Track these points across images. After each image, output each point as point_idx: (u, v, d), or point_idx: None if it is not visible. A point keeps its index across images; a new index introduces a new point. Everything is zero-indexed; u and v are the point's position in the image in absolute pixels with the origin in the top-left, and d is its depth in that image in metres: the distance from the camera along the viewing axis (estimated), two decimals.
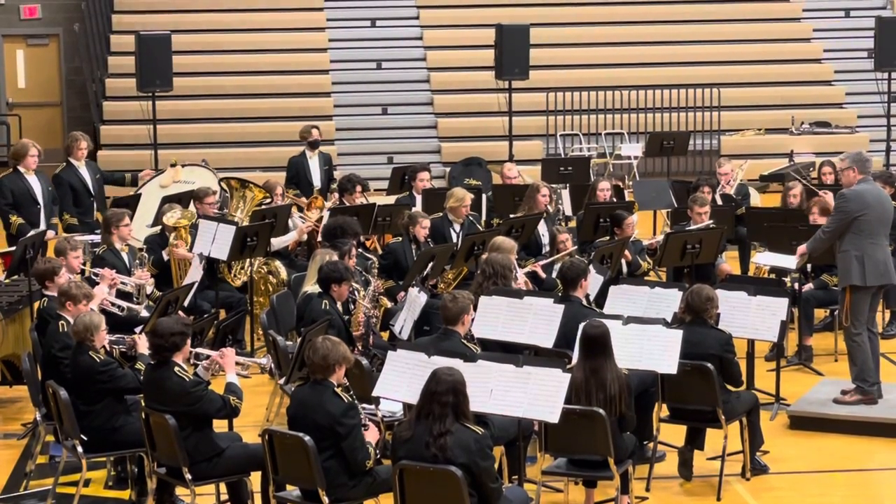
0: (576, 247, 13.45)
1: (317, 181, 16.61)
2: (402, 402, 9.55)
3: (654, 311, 10.72)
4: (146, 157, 20.78)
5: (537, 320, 10.43)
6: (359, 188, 15.14)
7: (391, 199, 15.78)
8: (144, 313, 11.96)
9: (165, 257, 13.35)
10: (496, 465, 8.27)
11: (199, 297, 13.06)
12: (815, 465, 10.73)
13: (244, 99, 23.27)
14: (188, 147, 21.58)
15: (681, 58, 24.06)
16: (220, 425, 9.30)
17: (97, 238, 13.44)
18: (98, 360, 9.55)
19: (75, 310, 10.22)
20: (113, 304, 11.66)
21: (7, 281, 12.58)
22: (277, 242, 14.22)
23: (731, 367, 10.10)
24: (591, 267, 11.42)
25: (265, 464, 8.77)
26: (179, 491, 9.42)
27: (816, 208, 13.37)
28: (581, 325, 9.44)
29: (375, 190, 17.99)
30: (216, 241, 13.00)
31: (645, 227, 16.25)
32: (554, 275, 12.56)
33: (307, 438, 8.35)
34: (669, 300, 10.93)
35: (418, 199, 15.34)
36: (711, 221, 13.82)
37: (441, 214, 14.15)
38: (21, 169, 14.15)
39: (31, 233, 12.98)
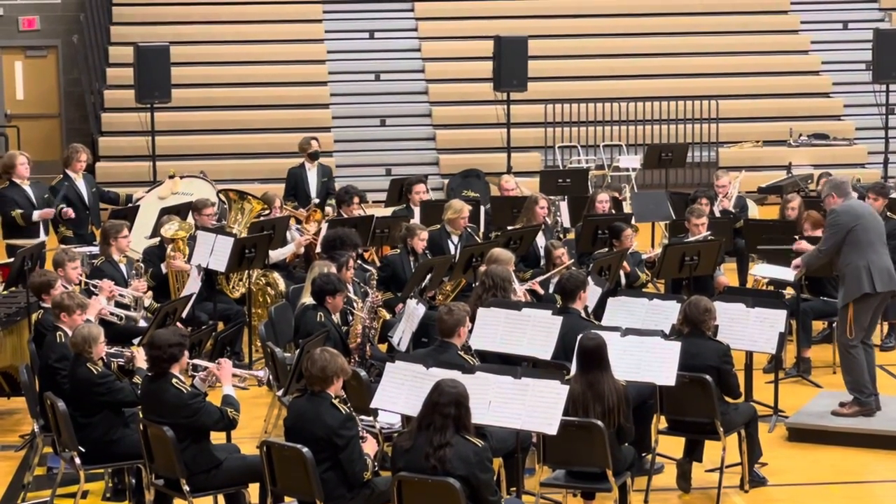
0: (573, 260, 13.45)
1: (314, 193, 16.63)
2: (400, 414, 9.54)
3: (652, 323, 10.72)
4: (145, 168, 20.81)
5: (536, 332, 10.43)
6: (356, 199, 15.15)
7: (388, 211, 15.78)
8: (143, 324, 11.96)
9: (164, 270, 13.34)
10: (494, 478, 8.27)
11: (198, 309, 13.05)
12: (814, 477, 10.73)
13: (243, 110, 23.28)
14: (187, 158, 21.58)
15: (679, 70, 24.08)
16: (218, 437, 9.30)
17: (95, 249, 13.44)
18: (95, 373, 9.54)
19: (70, 320, 10.23)
20: (111, 314, 11.67)
21: (5, 292, 12.58)
22: (275, 255, 14.22)
23: (729, 379, 10.10)
24: (589, 279, 11.42)
25: (263, 475, 8.76)
26: (177, 503, 9.41)
27: (808, 223, 13.38)
28: (578, 338, 9.45)
29: (374, 202, 18.01)
30: (214, 252, 13.00)
31: (643, 239, 16.25)
32: (552, 289, 12.54)
33: (305, 450, 8.35)
34: (668, 312, 10.93)
35: (416, 211, 15.34)
36: (709, 233, 13.83)
37: (439, 226, 14.16)
38: (16, 180, 14.15)
39: (29, 244, 12.99)
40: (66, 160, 14.83)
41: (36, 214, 14.02)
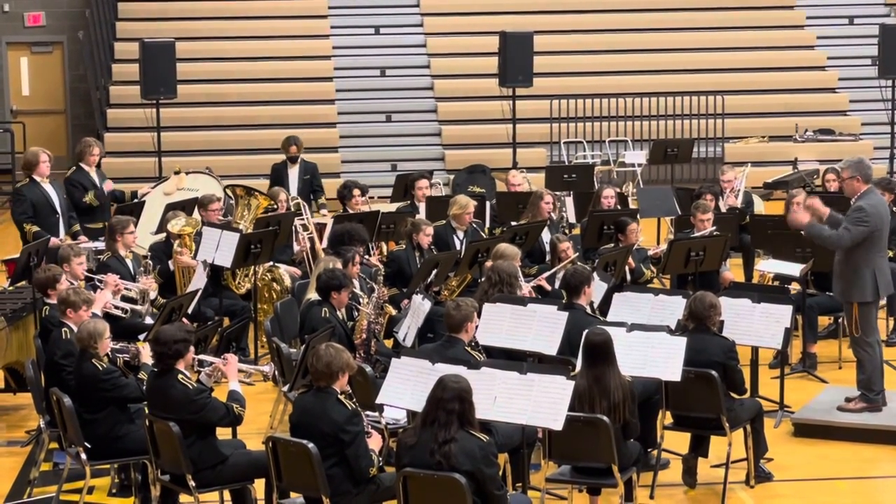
0: (577, 254, 13.44)
1: (294, 190, 16.69)
2: (405, 410, 9.55)
3: (657, 319, 10.71)
4: (150, 164, 20.82)
5: (541, 327, 10.43)
6: (356, 192, 15.16)
7: (393, 207, 15.78)
8: (149, 320, 11.96)
9: (171, 267, 13.34)
10: (500, 473, 8.27)
11: (203, 305, 13.05)
12: (819, 472, 10.72)
13: (248, 106, 23.29)
14: (192, 154, 21.61)
15: (685, 65, 24.06)
16: (223, 433, 9.31)
17: (101, 245, 13.43)
18: (101, 368, 9.55)
19: (76, 316, 10.24)
20: (116, 308, 11.67)
21: (11, 288, 12.58)
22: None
23: (735, 375, 10.10)
24: (594, 274, 11.41)
25: (269, 471, 8.77)
26: (183, 498, 9.41)
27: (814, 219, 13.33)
28: (584, 333, 9.45)
29: (379, 197, 18.01)
30: (220, 248, 13.00)
31: (649, 235, 16.24)
32: (557, 285, 12.55)
33: (311, 446, 8.35)
34: (673, 307, 10.92)
35: (421, 207, 15.34)
36: (714, 228, 13.82)
37: (444, 222, 14.16)
38: (37, 178, 14.07)
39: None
40: (79, 154, 14.79)
41: (53, 241, 13.64)
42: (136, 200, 15.27)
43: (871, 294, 11.16)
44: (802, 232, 11.55)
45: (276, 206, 14.68)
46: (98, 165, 15.03)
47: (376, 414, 9.78)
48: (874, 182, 11.61)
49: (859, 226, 11.09)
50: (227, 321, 13.16)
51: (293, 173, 16.97)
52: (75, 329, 10.07)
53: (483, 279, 11.65)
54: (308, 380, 8.88)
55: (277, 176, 16.97)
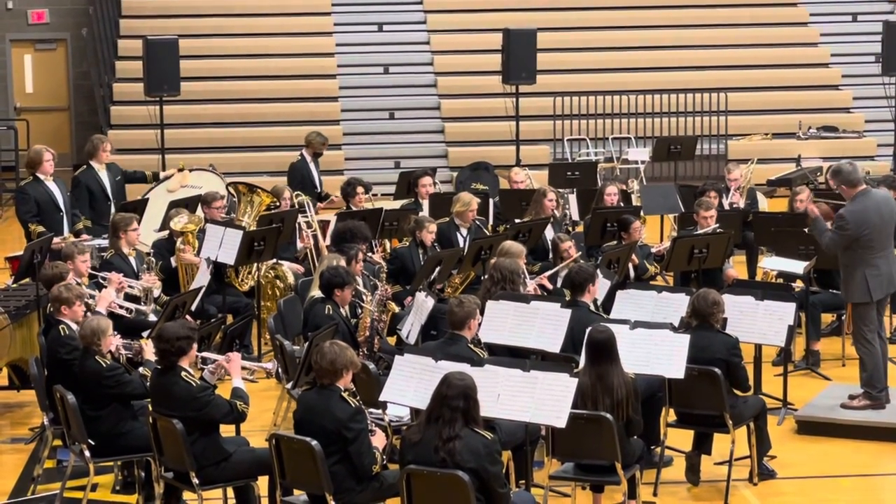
0: (580, 253, 13.44)
1: (319, 184, 16.72)
2: (408, 407, 9.55)
3: (661, 316, 10.72)
4: (154, 161, 20.79)
5: (544, 325, 10.42)
6: (360, 189, 15.16)
7: (397, 205, 15.78)
8: (152, 318, 11.97)
9: (174, 263, 13.35)
10: (503, 470, 8.27)
11: (207, 302, 13.05)
12: (823, 470, 10.72)
13: (252, 104, 23.29)
14: (196, 152, 21.62)
15: (688, 62, 24.06)
16: (227, 430, 9.31)
17: (105, 242, 13.44)
18: (104, 366, 9.55)
19: (71, 312, 10.26)
20: (120, 307, 11.67)
21: (15, 285, 12.58)
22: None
23: (738, 372, 10.10)
24: (598, 272, 11.41)
25: (272, 468, 8.78)
26: (187, 495, 9.42)
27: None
28: (587, 330, 9.45)
29: (383, 195, 18.02)
30: (223, 245, 13.01)
31: (652, 232, 16.24)
32: (559, 284, 12.54)
33: (314, 443, 8.36)
34: (676, 305, 10.92)
35: (424, 204, 15.33)
36: (717, 226, 13.82)
37: (448, 219, 14.16)
38: (40, 176, 14.06)
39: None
40: (90, 152, 14.78)
41: (56, 241, 13.61)
42: (156, 182, 15.34)
43: (860, 295, 11.14)
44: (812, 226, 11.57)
45: (277, 204, 14.68)
46: None
47: (380, 411, 9.79)
48: (878, 179, 11.60)
49: (838, 233, 11.12)
50: (230, 318, 13.16)
51: (314, 168, 16.98)
52: (72, 325, 10.08)
53: (486, 276, 11.65)
54: (311, 377, 8.88)
55: (301, 174, 16.76)
